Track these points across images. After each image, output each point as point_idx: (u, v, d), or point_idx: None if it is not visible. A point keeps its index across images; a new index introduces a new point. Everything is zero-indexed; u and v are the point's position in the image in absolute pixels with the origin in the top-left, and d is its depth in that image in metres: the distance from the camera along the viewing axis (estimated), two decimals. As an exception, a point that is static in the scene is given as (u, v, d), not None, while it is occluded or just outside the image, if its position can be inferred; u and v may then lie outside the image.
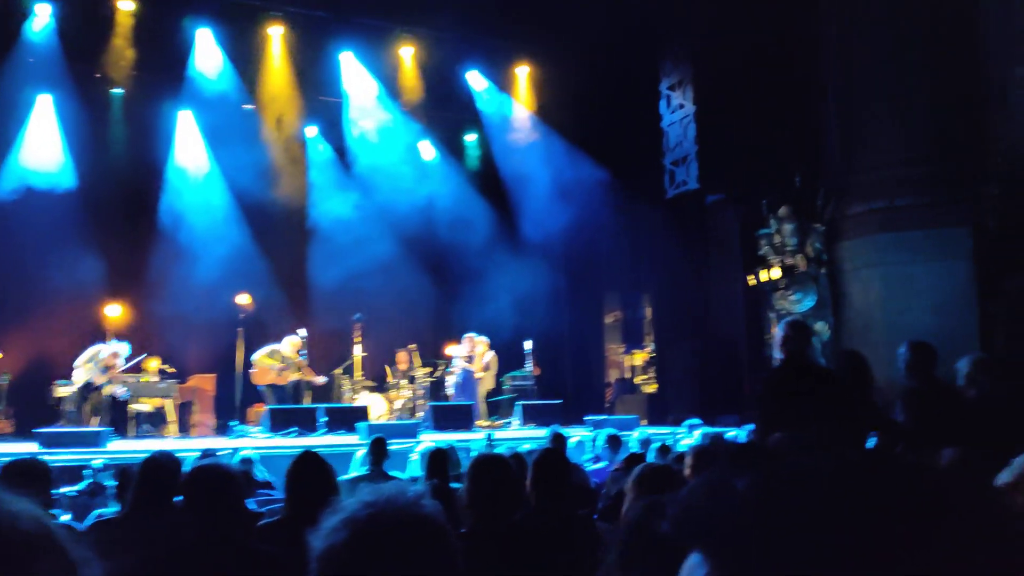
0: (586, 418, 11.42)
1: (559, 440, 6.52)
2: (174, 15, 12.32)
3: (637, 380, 15.02)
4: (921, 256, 10.11)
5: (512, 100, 14.50)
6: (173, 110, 13.44)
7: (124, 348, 11.23)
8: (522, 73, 14.41)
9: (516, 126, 14.56)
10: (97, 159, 12.94)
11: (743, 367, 12.17)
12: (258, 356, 11.99)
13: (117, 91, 13.09)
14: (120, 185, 12.94)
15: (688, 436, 8.03)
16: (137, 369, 11.82)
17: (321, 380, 12.33)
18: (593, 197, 13.56)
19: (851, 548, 0.72)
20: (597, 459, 7.32)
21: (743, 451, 3.45)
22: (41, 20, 11.99)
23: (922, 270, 10.08)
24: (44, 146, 12.65)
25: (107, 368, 10.96)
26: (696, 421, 8.81)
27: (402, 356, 13.21)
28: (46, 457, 6.56)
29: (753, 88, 11.53)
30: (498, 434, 10.11)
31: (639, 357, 15.21)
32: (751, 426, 6.83)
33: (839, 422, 3.91)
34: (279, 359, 12.02)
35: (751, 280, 11.60)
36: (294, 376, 12.10)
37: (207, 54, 12.91)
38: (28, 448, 8.40)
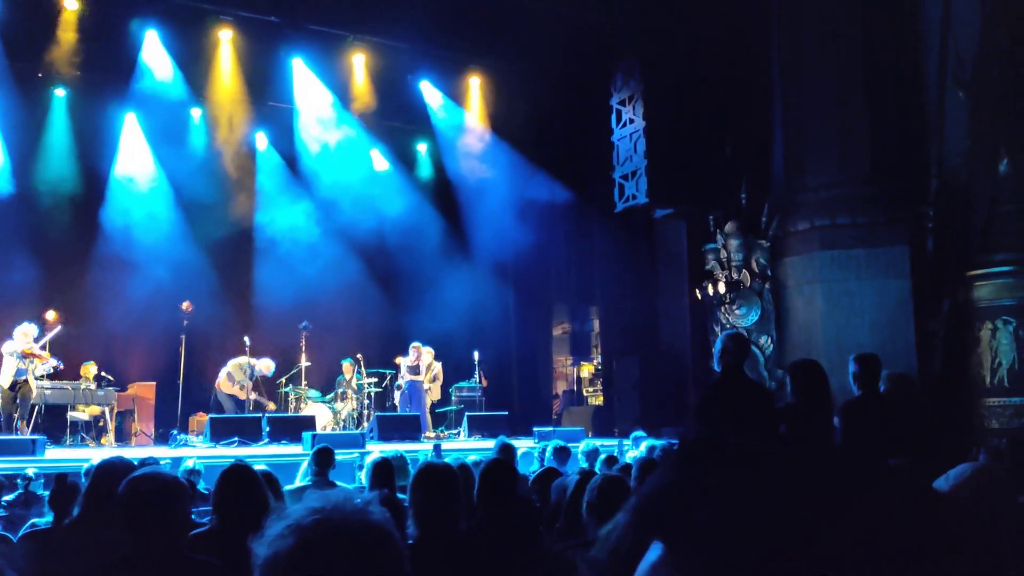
0: (534, 429, 11.45)
1: (507, 451, 6.52)
2: (121, 15, 12.04)
3: (584, 392, 15.11)
4: (861, 274, 10.37)
5: (464, 111, 14.50)
6: (118, 112, 13.16)
7: (31, 328, 10.88)
8: (474, 84, 14.43)
9: (468, 137, 14.57)
10: (37, 162, 12.63)
11: (689, 380, 12.32)
12: (232, 365, 11.96)
13: (60, 92, 12.78)
14: (61, 189, 12.65)
15: (634, 448, 8.09)
16: (76, 376, 11.53)
17: (273, 406, 12.39)
18: (544, 209, 13.64)
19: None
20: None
21: (702, 448, 3.48)
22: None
23: (862, 287, 10.34)
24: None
25: (25, 355, 10.62)
26: (641, 433, 8.88)
27: (347, 366, 13.10)
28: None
29: (702, 105, 11.73)
30: (445, 445, 10.08)
31: (586, 369, 15.30)
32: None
33: (771, 435, 3.98)
34: (248, 374, 12.00)
35: (698, 294, 11.77)
36: (254, 396, 12.18)
37: (154, 56, 12.66)
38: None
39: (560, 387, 15.50)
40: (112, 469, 3.25)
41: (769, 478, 0.81)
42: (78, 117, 13.00)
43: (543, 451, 7.84)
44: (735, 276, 11.48)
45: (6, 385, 10.61)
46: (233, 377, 12.28)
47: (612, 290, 14.04)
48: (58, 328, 11.12)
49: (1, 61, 12.01)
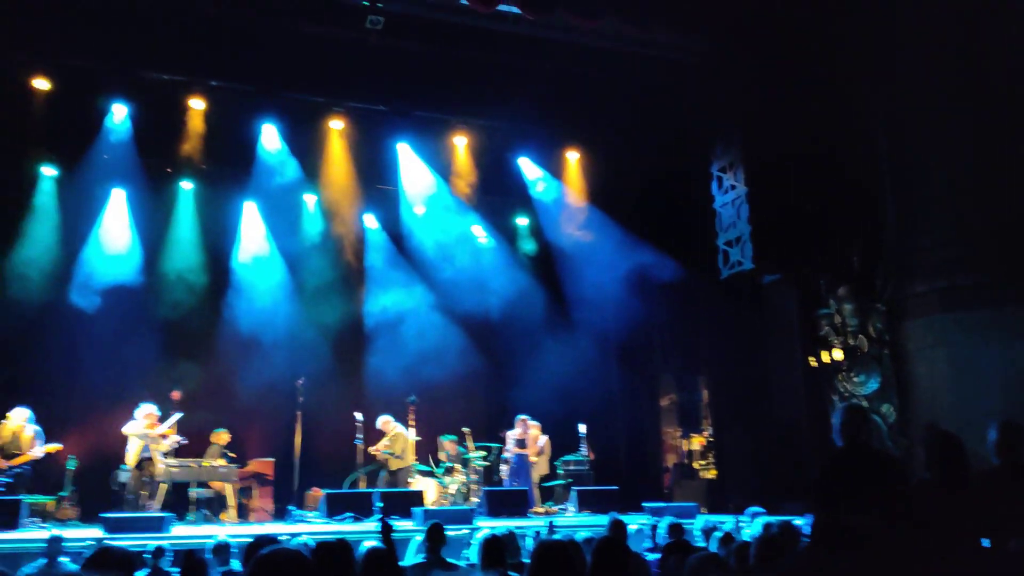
0: (645, 505, 11.19)
1: (619, 528, 6.40)
2: (242, 112, 12.87)
3: (695, 465, 14.70)
4: (986, 335, 9.87)
5: (563, 184, 14.76)
6: (239, 202, 13.94)
7: (152, 408, 11.42)
8: (572, 158, 14.71)
9: (567, 209, 14.78)
10: (165, 251, 13.45)
11: (805, 452, 11.86)
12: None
13: (187, 184, 13.67)
14: (187, 276, 13.38)
15: (751, 525, 7.81)
16: (202, 451, 12.02)
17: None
18: (646, 278, 13.58)
19: None
20: (657, 548, 7.15)
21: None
22: (118, 118, 12.64)
23: (988, 350, 9.83)
24: (116, 239, 13.18)
25: (148, 435, 11.15)
26: (758, 509, 8.58)
27: (448, 443, 13.17)
28: (110, 542, 6.67)
29: (806, 167, 11.57)
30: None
31: (697, 441, 14.92)
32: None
33: (902, 515, 3.79)
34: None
35: (812, 362, 11.40)
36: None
37: (272, 147, 13.44)
38: (93, 533, 8.53)
39: (670, 460, 15.13)
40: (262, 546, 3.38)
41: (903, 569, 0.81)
42: (203, 208, 13.83)
43: (654, 528, 7.67)
44: (851, 342, 11.10)
45: (133, 464, 11.16)
46: None
47: (720, 359, 13.75)
48: (179, 414, 11.62)
49: (135, 158, 12.95)
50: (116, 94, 12.35)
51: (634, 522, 8.65)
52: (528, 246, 15.60)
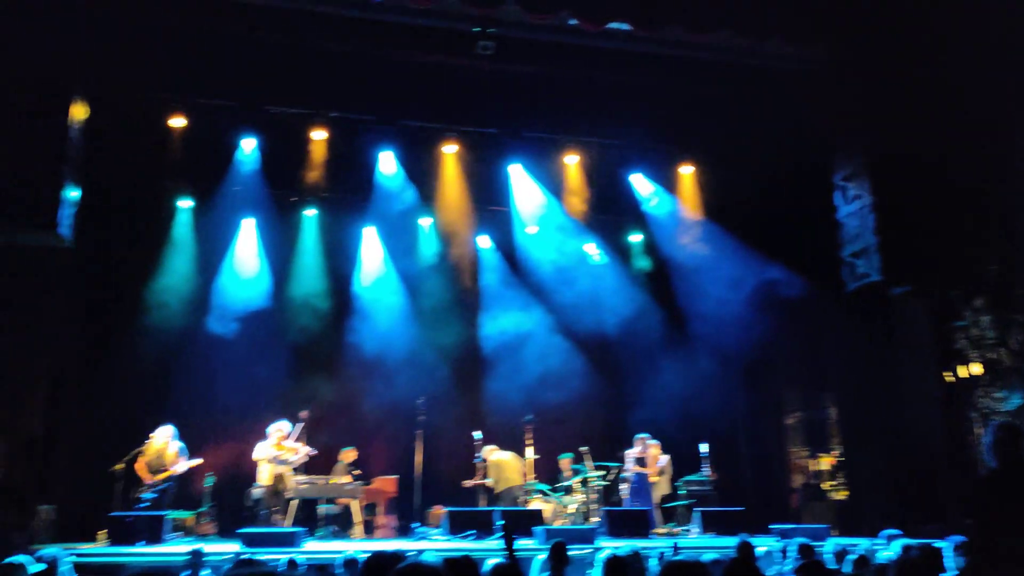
0: (773, 527, 10.86)
1: (747, 550, 6.24)
2: (361, 141, 13.35)
3: (825, 486, 14.14)
4: None
5: (677, 200, 14.59)
6: (359, 227, 14.42)
7: (284, 425, 11.88)
8: (686, 172, 14.53)
9: (683, 225, 14.59)
10: (291, 276, 14.04)
11: (942, 471, 11.25)
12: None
13: (311, 212, 14.24)
14: (312, 300, 13.93)
15: (887, 547, 7.47)
16: (331, 467, 12.44)
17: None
18: (767, 293, 13.24)
19: None
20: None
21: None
22: (247, 151, 13.32)
23: None
24: (247, 266, 13.86)
25: (279, 450, 11.60)
26: (895, 531, 8.18)
27: (564, 462, 13.15)
28: (248, 556, 6.98)
29: (933, 174, 11.05)
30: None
31: (825, 461, 14.35)
32: (958, 537, 6.28)
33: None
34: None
35: (948, 377, 10.83)
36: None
37: (389, 173, 13.87)
38: (231, 548, 8.94)
39: (797, 480, 14.61)
40: (383, 561, 3.49)
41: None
42: (325, 233, 14.39)
43: (783, 550, 7.43)
44: (991, 355, 10.49)
45: (267, 483, 11.65)
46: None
47: (848, 375, 13.22)
48: (301, 423, 12.05)
49: (263, 189, 13.61)
50: (245, 128, 13.02)
51: (762, 544, 8.39)
52: (643, 263, 15.46)
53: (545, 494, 12.76)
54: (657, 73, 12.05)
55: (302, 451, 11.86)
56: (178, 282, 13.30)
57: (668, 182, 14.60)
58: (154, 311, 12.95)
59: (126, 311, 12.85)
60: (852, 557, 6.13)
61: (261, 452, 11.78)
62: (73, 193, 10.15)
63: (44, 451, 11.20)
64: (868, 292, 12.01)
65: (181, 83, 11.89)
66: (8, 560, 5.26)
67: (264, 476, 11.71)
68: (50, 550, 6.02)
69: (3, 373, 10.66)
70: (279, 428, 11.87)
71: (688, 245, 14.46)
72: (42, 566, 5.48)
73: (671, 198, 14.62)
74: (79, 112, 10.22)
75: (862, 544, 7.93)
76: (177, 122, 12.49)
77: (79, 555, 8.02)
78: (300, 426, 12.09)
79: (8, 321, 10.57)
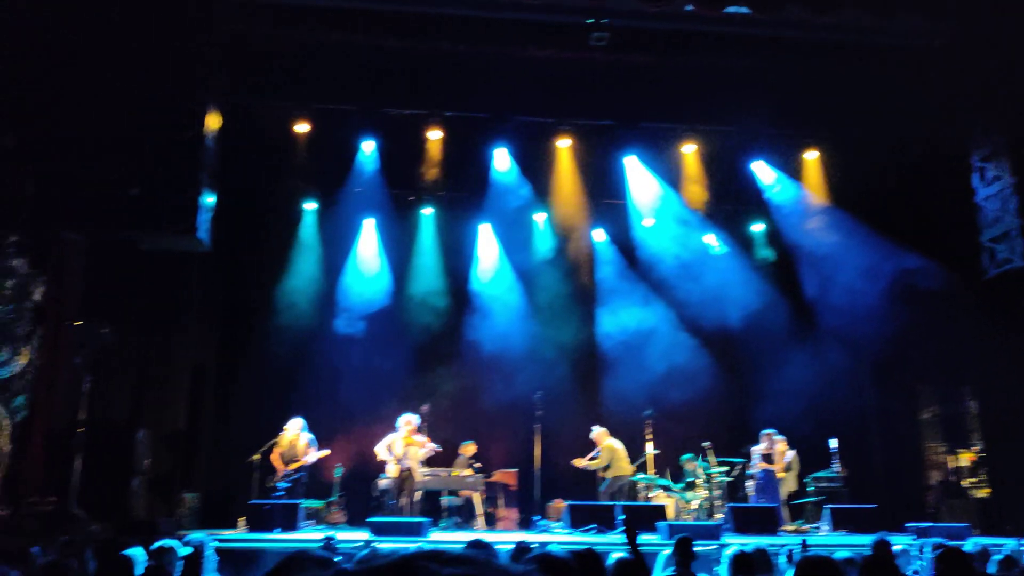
0: (909, 525, 10.38)
1: (884, 548, 5.99)
2: (475, 138, 13.52)
3: (964, 483, 13.42)
4: None
5: (802, 186, 14.10)
6: (475, 224, 14.62)
7: (413, 417, 12.14)
8: (811, 158, 14.01)
9: (808, 212, 14.08)
10: (411, 273, 14.38)
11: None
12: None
13: (428, 210, 14.54)
14: (430, 297, 14.22)
15: (1036, 549, 7.03)
16: (453, 459, 12.69)
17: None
18: (898, 282, 12.65)
19: None
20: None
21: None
22: (367, 153, 13.72)
23: None
24: (369, 265, 14.28)
25: (407, 443, 11.88)
26: (1045, 531, 7.69)
27: (688, 463, 12.90)
28: (378, 545, 7.20)
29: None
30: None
31: (965, 457, 13.60)
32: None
33: None
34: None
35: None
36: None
37: (504, 170, 13.99)
38: (361, 536, 9.25)
39: (933, 477, 13.91)
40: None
41: None
42: (442, 231, 14.65)
43: (921, 549, 7.09)
44: None
45: (394, 475, 11.97)
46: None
47: (990, 367, 12.46)
48: (434, 445, 12.29)
49: (383, 190, 14.00)
50: (365, 131, 13.41)
51: (897, 543, 8.03)
52: (766, 254, 14.98)
53: (667, 489, 12.61)
54: (778, 56, 11.69)
55: (428, 446, 12.14)
56: (305, 282, 13.85)
57: (791, 168, 14.12)
58: (284, 310, 13.53)
59: (258, 310, 13.49)
60: (997, 557, 5.80)
61: (390, 444, 12.08)
62: (209, 199, 10.72)
63: (187, 443, 11.91)
64: (1011, 279, 11.30)
65: (304, 90, 12.37)
66: (159, 544, 5.61)
67: (391, 468, 12.04)
68: (196, 535, 6.39)
69: (150, 370, 11.39)
70: (408, 420, 12.14)
71: (814, 233, 13.95)
72: (189, 550, 5.82)
73: (795, 185, 14.15)
74: (213, 122, 10.79)
75: (1008, 544, 7.48)
76: (301, 128, 13.00)
77: (221, 540, 8.47)
78: (422, 420, 12.38)
79: (154, 321, 11.29)
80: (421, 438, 12.14)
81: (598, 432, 12.81)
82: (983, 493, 12.67)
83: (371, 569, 0.89)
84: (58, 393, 9.78)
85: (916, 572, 6.80)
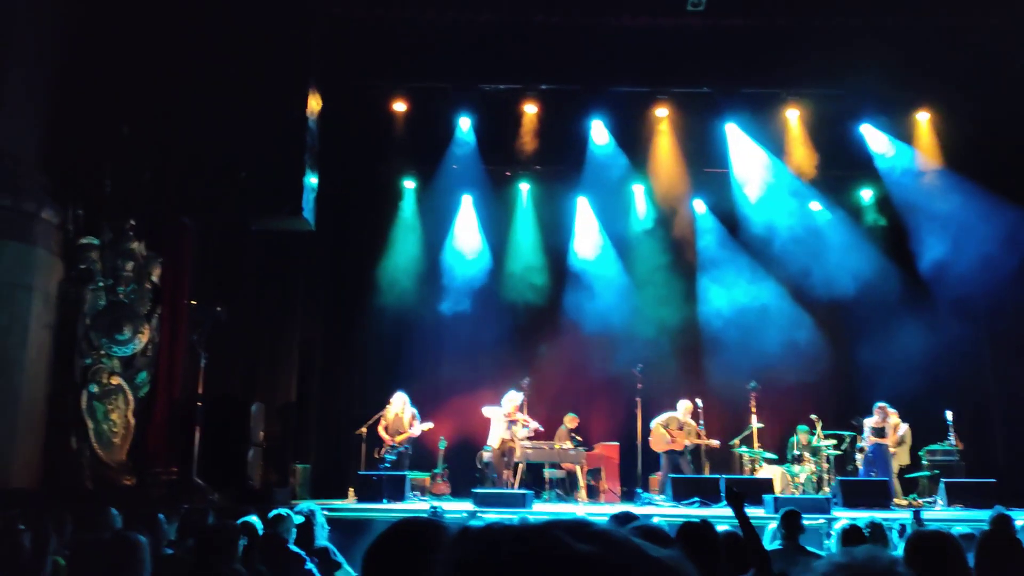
0: (1032, 500, 9.91)
1: (1004, 523, 5.74)
2: (571, 111, 13.42)
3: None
4: None
5: (913, 149, 13.45)
6: (572, 198, 14.54)
7: (517, 396, 12.24)
8: (923, 119, 13.34)
9: (920, 176, 13.45)
10: (509, 249, 14.45)
11: None
12: (654, 424, 12.37)
13: (524, 185, 14.54)
14: (529, 272, 14.27)
15: None
16: (548, 436, 12.76)
17: (715, 443, 12.32)
18: (1017, 243, 11.98)
19: None
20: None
21: None
22: (463, 130, 13.81)
23: None
24: (468, 242, 14.42)
25: (512, 422, 12.02)
26: None
27: (802, 433, 12.59)
28: (482, 515, 7.34)
29: None
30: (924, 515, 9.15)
31: (1098, 429, 12.83)
32: None
33: None
34: (675, 425, 12.25)
35: None
36: (688, 441, 12.24)
37: (600, 142, 13.85)
38: (466, 507, 9.45)
39: (1061, 450, 13.18)
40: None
41: None
42: (540, 206, 14.64)
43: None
44: None
45: (496, 446, 12.15)
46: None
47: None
48: (535, 425, 12.40)
49: (479, 165, 14.09)
50: (461, 107, 13.49)
51: (1019, 518, 7.68)
52: (877, 220, 14.38)
53: (771, 463, 12.39)
54: (883, 14, 11.15)
55: (531, 425, 12.25)
56: (406, 260, 14.09)
57: (903, 131, 13.49)
58: (386, 288, 13.83)
59: (362, 288, 13.83)
60: None
61: (493, 412, 12.27)
62: (313, 180, 11.03)
63: (298, 416, 12.38)
64: None
65: (401, 69, 12.54)
66: (275, 512, 5.87)
67: (495, 438, 12.20)
68: (307, 504, 6.66)
69: (262, 347, 11.87)
70: (512, 399, 12.26)
71: (927, 198, 13.31)
72: (301, 519, 6.07)
73: (907, 148, 13.52)
74: (315, 103, 11.07)
75: None
76: (399, 107, 13.18)
77: (331, 510, 8.80)
78: (524, 398, 12.48)
79: (265, 299, 11.73)
80: (524, 416, 12.27)
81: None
82: (1116, 468, 11.93)
83: (492, 527, 0.89)
84: (177, 369, 10.30)
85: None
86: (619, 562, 0.80)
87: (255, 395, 11.18)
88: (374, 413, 12.16)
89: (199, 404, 9.93)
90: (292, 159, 10.50)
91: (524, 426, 12.15)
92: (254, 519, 4.81)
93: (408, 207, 14.45)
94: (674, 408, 12.54)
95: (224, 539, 3.92)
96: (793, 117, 13.42)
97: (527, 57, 12.41)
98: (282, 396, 12.12)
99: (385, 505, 10.30)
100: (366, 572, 1.73)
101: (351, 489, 11.30)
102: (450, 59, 12.31)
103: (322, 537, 6.28)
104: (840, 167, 13.94)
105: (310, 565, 5.24)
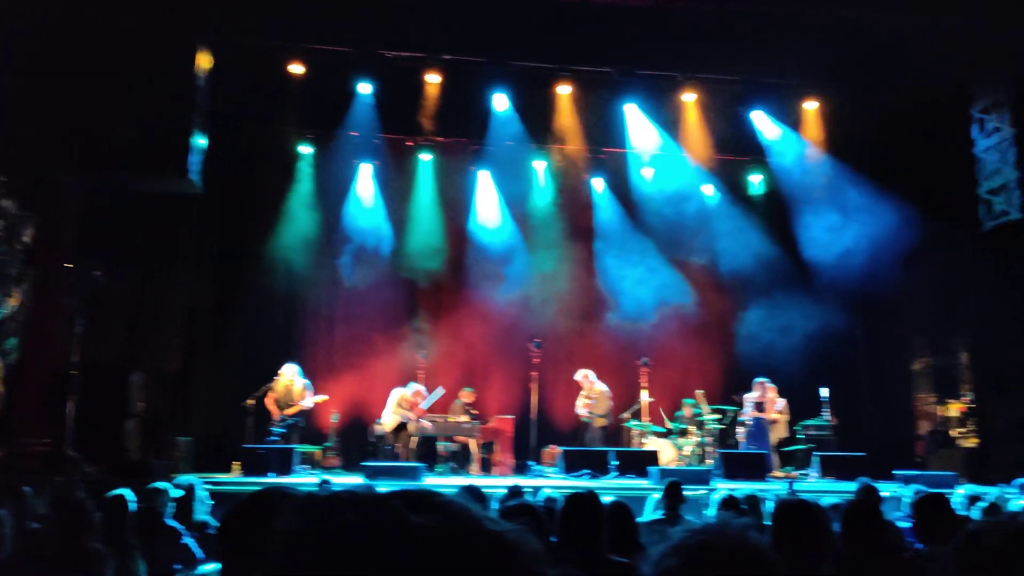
0: (896, 473, 10.52)
1: (870, 493, 6.06)
2: (474, 83, 13.29)
3: (953, 433, 13.55)
4: None
5: (801, 137, 13.97)
6: (473, 170, 14.48)
7: (420, 388, 12.22)
8: (810, 108, 13.85)
9: (807, 164, 13.99)
10: (409, 220, 14.28)
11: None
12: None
13: (426, 156, 14.37)
14: (428, 244, 14.13)
15: (1020, 496, 7.14)
16: (443, 409, 12.76)
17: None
18: (895, 234, 12.63)
19: None
20: (909, 517, 6.69)
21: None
22: (363, 97, 13.49)
23: None
24: (365, 212, 14.17)
25: (411, 407, 12.00)
26: (1030, 480, 7.79)
27: (686, 407, 13.04)
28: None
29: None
30: (797, 486, 9.61)
31: (955, 408, 13.72)
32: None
33: None
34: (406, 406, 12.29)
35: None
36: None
37: (502, 116, 13.80)
38: (355, 480, 9.36)
39: (923, 427, 14.05)
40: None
41: None
42: (440, 178, 14.50)
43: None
44: None
45: (390, 428, 12.04)
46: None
47: (983, 319, 12.51)
48: (441, 391, 12.38)
49: (380, 135, 13.83)
50: (362, 73, 13.14)
51: (885, 490, 8.14)
52: (764, 203, 14.92)
53: (659, 435, 12.75)
54: (776, 3, 11.45)
55: (423, 423, 12.17)
56: (301, 227, 13.73)
57: (791, 119, 13.97)
58: (280, 255, 13.45)
59: (254, 254, 13.41)
60: (982, 504, 5.87)
61: (397, 395, 12.12)
62: (201, 140, 10.59)
63: (181, 386, 11.96)
64: (1007, 231, 11.27)
65: (298, 30, 12.13)
66: (152, 485, 5.66)
67: (390, 422, 12.08)
68: (187, 477, 6.45)
69: (144, 313, 11.38)
70: (417, 391, 12.17)
71: (812, 183, 13.88)
72: (180, 492, 5.88)
73: (794, 135, 14.02)
74: (204, 61, 10.61)
75: (991, 492, 7.59)
76: (296, 69, 12.75)
77: (214, 483, 8.56)
78: (437, 391, 12.41)
79: (147, 265, 11.23)
80: (424, 406, 12.22)
81: (582, 375, 12.83)
82: (971, 443, 12.81)
83: (335, 495, 0.86)
84: (51, 335, 9.77)
85: (903, 517, 6.90)
86: (453, 534, 0.79)
87: (136, 364, 10.71)
88: (264, 384, 11.86)
89: (74, 372, 9.45)
90: (179, 118, 10.03)
91: (416, 420, 12.09)
92: (127, 492, 4.61)
93: (305, 173, 14.07)
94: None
95: (80, 513, 3.74)
96: (689, 100, 13.70)
97: (430, 26, 12.18)
98: (165, 366, 11.67)
99: (271, 479, 10.09)
100: (220, 542, 1.69)
101: (236, 463, 11.01)
102: (350, 23, 11.97)
103: (203, 512, 6.11)
104: (732, 151, 14.35)
105: (187, 539, 5.08)
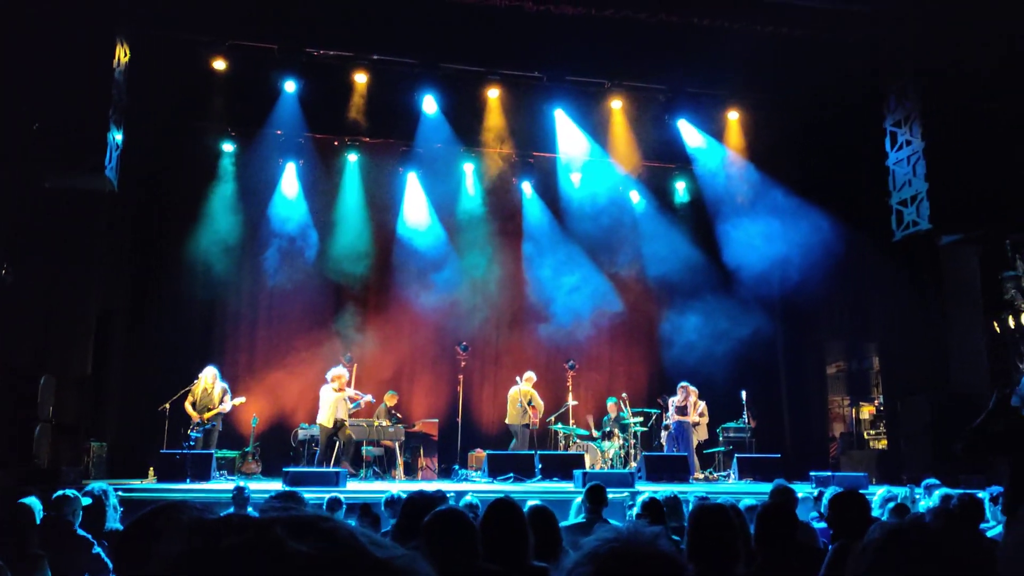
0: (812, 474, 10.85)
1: (785, 494, 6.23)
2: (402, 84, 13.18)
3: (865, 435, 14.06)
4: None
5: (724, 146, 14.30)
6: (401, 172, 14.36)
7: (342, 371, 12.02)
8: (733, 118, 14.19)
9: (729, 172, 14.33)
10: (335, 221, 14.07)
11: (989, 423, 11.05)
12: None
13: (353, 157, 14.19)
14: (355, 242, 13.96)
15: (926, 497, 7.43)
16: (369, 414, 12.62)
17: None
18: (812, 242, 13.03)
19: None
20: (822, 518, 6.91)
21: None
22: (288, 95, 13.24)
23: None
24: (290, 211, 13.91)
25: (339, 390, 11.79)
26: (934, 481, 8.11)
27: (612, 405, 13.23)
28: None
29: (988, 120, 10.69)
30: (716, 488, 9.82)
31: (867, 410, 14.25)
32: (998, 488, 6.22)
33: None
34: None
35: (996, 327, 10.61)
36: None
37: (432, 118, 13.73)
38: (275, 487, 9.18)
39: (837, 429, 14.54)
40: (424, 501, 3.54)
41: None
42: (367, 178, 14.35)
43: (820, 497, 7.41)
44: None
45: (328, 424, 11.82)
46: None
47: (893, 325, 13.02)
48: (368, 397, 12.23)
49: (305, 133, 13.61)
50: (287, 71, 12.88)
51: (800, 491, 8.38)
52: (687, 210, 15.22)
53: (583, 439, 12.87)
54: (701, 14, 11.70)
55: (364, 398, 12.05)
56: (222, 226, 13.41)
57: (715, 128, 14.29)
58: (199, 255, 13.11)
59: (172, 254, 13.05)
60: (890, 505, 6.09)
61: (327, 392, 11.91)
62: (118, 136, 10.26)
63: (94, 390, 11.53)
64: (916, 241, 11.75)
65: (221, 25, 11.85)
66: (60, 492, 5.45)
67: (324, 418, 11.85)
68: (98, 484, 6.23)
69: (54, 314, 10.93)
70: (339, 375, 11.96)
71: (733, 192, 14.22)
72: (90, 500, 5.68)
73: (718, 145, 14.34)
74: (122, 55, 10.28)
75: (901, 492, 7.88)
76: (219, 64, 12.45)
77: (128, 490, 8.30)
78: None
79: (59, 263, 10.79)
80: (352, 391, 12.05)
81: (529, 379, 12.88)
82: (881, 444, 13.31)
83: (224, 519, 0.84)
84: (-45, 336, 9.32)
85: (816, 518, 7.11)
86: (332, 562, 0.78)
87: (45, 367, 10.29)
88: (181, 388, 11.53)
89: (-21, 375, 9.04)
90: (94, 113, 9.69)
91: (354, 401, 11.94)
92: (33, 501, 4.43)
93: (226, 171, 13.75)
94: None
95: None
96: (616, 108, 13.87)
97: (358, 25, 12.05)
98: (77, 369, 11.21)
99: (188, 485, 9.83)
100: (114, 558, 1.65)
101: (152, 469, 10.69)
102: (276, 19, 11.76)
103: (114, 519, 5.91)
104: (658, 159, 14.60)
105: (98, 549, 4.90)
